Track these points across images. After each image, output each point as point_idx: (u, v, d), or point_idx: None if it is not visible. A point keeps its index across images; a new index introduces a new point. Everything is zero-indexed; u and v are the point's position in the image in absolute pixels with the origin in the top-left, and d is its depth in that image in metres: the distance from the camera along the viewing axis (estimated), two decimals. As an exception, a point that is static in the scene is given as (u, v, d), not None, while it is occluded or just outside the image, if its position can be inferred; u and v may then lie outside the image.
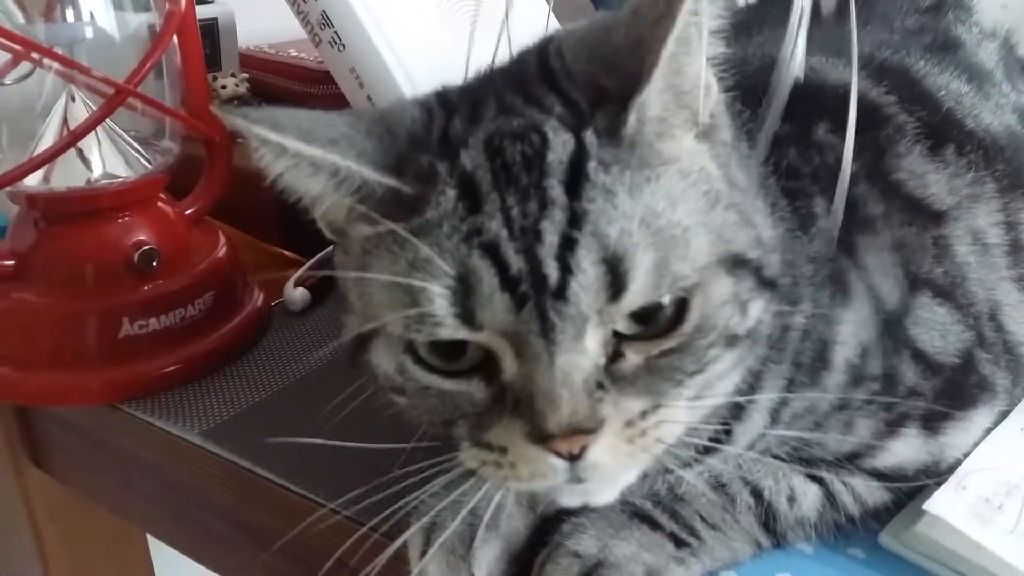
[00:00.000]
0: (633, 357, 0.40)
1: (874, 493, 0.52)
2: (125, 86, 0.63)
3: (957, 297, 0.52)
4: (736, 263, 0.41)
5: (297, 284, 0.79)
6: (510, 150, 0.40)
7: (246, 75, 0.99)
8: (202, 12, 0.95)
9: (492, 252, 0.38)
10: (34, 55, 0.70)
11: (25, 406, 0.77)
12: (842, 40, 0.65)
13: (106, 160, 0.70)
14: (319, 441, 0.48)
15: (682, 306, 0.40)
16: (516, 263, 0.38)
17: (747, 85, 0.51)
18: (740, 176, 0.44)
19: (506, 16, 0.56)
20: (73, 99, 0.70)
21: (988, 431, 0.54)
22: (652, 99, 0.40)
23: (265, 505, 0.59)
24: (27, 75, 0.73)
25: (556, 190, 0.39)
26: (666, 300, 0.39)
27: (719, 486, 0.50)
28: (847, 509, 0.51)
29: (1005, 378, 0.54)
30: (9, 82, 0.73)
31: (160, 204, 0.72)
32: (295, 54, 1.06)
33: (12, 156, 0.70)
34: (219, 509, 0.67)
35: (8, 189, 0.67)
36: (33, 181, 0.68)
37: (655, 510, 0.49)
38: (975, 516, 0.48)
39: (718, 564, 0.49)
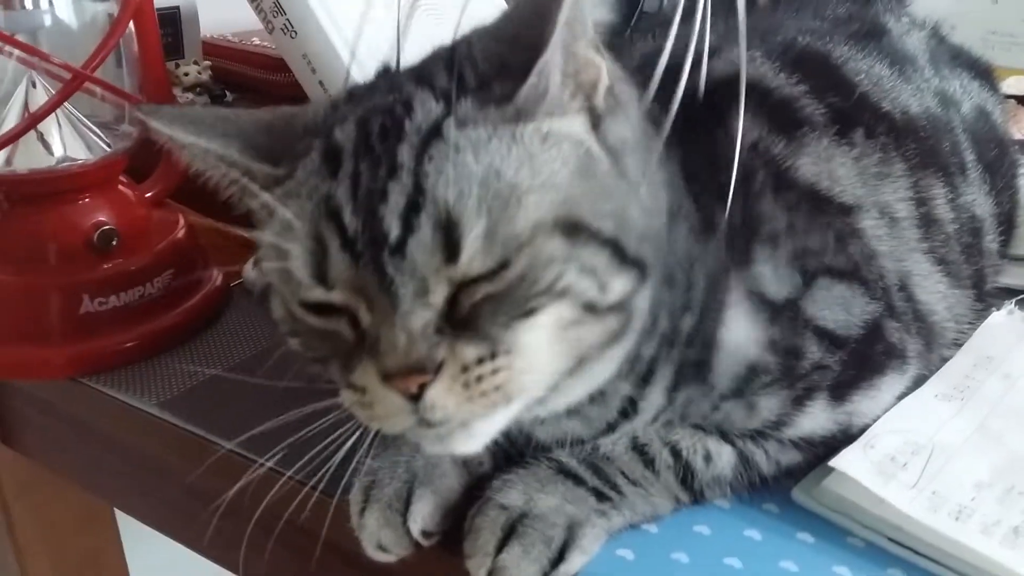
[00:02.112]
0: (465, 301, 0.43)
1: (787, 453, 0.55)
2: (82, 71, 0.66)
3: (861, 274, 0.55)
4: (573, 228, 0.43)
5: (255, 265, 0.81)
6: (374, 122, 0.44)
7: (208, 63, 1.01)
8: (165, 1, 0.97)
9: (335, 216, 0.42)
10: (-6, 40, 0.73)
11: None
12: (768, 30, 0.68)
13: (67, 144, 0.72)
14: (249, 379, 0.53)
15: None
16: (353, 224, 0.42)
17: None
18: (632, 166, 0.47)
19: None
20: (34, 85, 0.72)
21: (900, 397, 0.57)
22: (553, 66, 0.43)
23: (218, 471, 0.62)
24: (-16, 62, 0.75)
25: (405, 155, 0.42)
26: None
27: (640, 445, 0.53)
28: (761, 468, 0.54)
29: (916, 344, 0.58)
30: (-30, 69, 0.75)
31: (120, 187, 0.75)
32: (258, 42, 1.08)
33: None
34: (175, 478, 0.70)
35: (-30, 171, 0.69)
36: (-5, 163, 0.71)
37: (579, 466, 0.52)
38: (880, 473, 0.52)
39: (639, 518, 0.52)
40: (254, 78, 1.06)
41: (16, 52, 0.71)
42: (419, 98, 0.44)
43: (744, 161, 0.53)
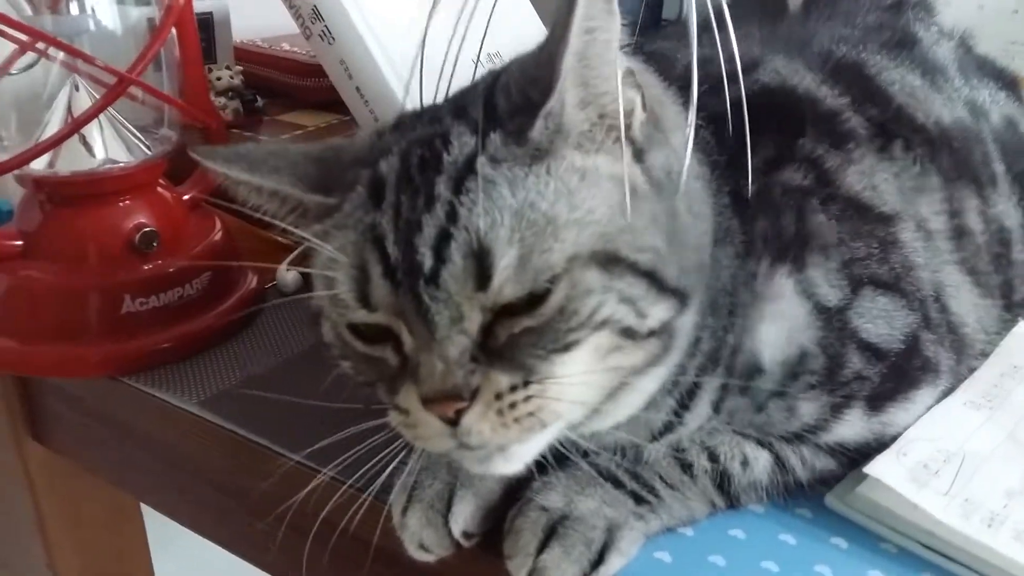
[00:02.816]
0: (502, 333, 0.44)
1: (821, 459, 0.55)
2: (127, 75, 0.67)
3: (902, 286, 0.55)
4: (610, 259, 0.44)
5: (290, 268, 0.82)
6: (415, 155, 0.46)
7: (240, 68, 1.02)
8: (198, 6, 0.98)
9: (379, 244, 0.44)
10: (39, 46, 0.74)
11: (29, 378, 0.81)
12: (804, 39, 0.69)
13: (108, 146, 0.74)
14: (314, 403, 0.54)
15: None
16: (394, 253, 0.44)
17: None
18: (677, 201, 0.47)
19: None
20: (77, 88, 0.74)
21: (930, 408, 0.58)
22: (561, 109, 0.44)
23: (257, 470, 0.63)
24: (31, 65, 0.77)
25: (442, 187, 0.44)
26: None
27: (678, 451, 0.54)
28: (796, 473, 0.55)
29: (949, 358, 0.58)
30: (15, 72, 0.77)
31: (159, 189, 0.76)
32: (287, 48, 1.10)
33: (20, 142, 0.74)
34: (210, 477, 0.71)
35: (16, 172, 0.71)
36: (39, 165, 0.72)
37: (618, 470, 0.53)
38: (913, 480, 0.52)
39: (676, 521, 0.53)
40: (284, 83, 1.07)
41: (60, 56, 0.73)
42: (456, 131, 0.46)
43: (794, 171, 0.54)
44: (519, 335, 0.44)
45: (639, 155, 0.47)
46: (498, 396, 0.43)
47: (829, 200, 0.55)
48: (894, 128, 0.60)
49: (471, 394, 0.43)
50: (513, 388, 0.44)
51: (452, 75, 0.57)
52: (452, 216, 0.43)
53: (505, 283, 0.43)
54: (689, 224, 0.48)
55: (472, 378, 0.43)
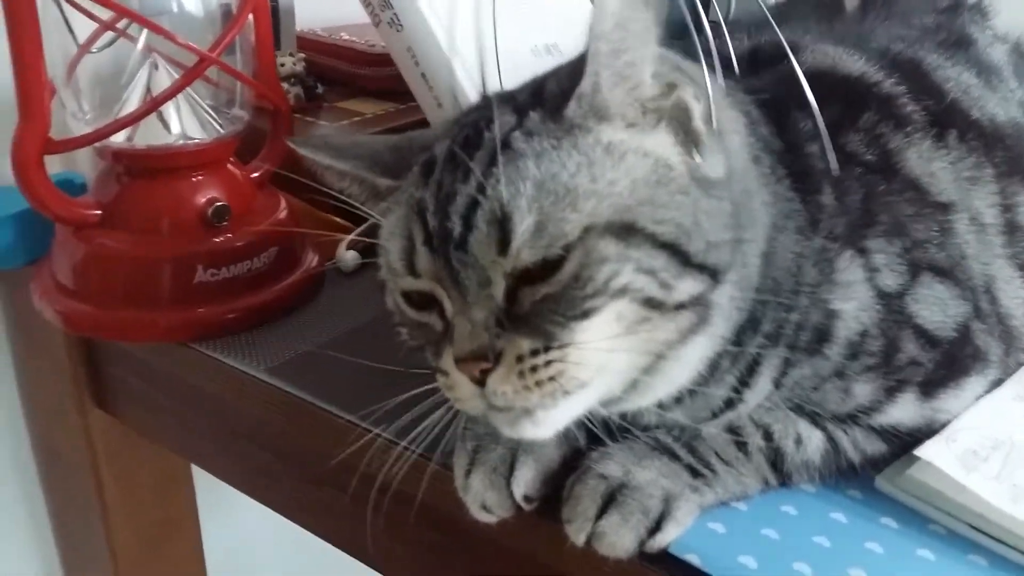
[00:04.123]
0: (525, 300, 0.47)
1: (872, 443, 0.57)
2: (208, 55, 0.70)
3: (956, 274, 0.57)
4: (626, 230, 0.46)
5: (348, 247, 0.85)
6: (462, 136, 0.50)
7: (303, 55, 1.05)
8: (265, -5, 1.01)
9: (422, 215, 0.48)
10: (120, 24, 0.77)
11: (95, 346, 0.85)
12: (861, 36, 0.71)
13: (184, 123, 0.77)
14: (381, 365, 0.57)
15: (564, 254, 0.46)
16: (432, 222, 0.47)
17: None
18: (721, 188, 0.49)
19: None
20: (156, 68, 0.77)
21: (980, 397, 0.59)
22: (592, 91, 0.47)
23: (320, 435, 0.65)
24: (109, 44, 0.80)
25: (478, 162, 0.47)
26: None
27: (734, 428, 0.56)
28: (847, 455, 0.56)
29: (999, 348, 0.59)
30: (95, 50, 0.80)
31: (230, 166, 0.79)
32: (347, 37, 1.12)
33: (99, 116, 0.77)
34: (269, 443, 0.74)
35: (96, 145, 0.74)
36: (118, 139, 0.75)
37: (675, 444, 0.54)
38: (962, 465, 0.54)
39: (729, 496, 0.54)
40: (342, 71, 1.10)
41: (143, 37, 0.76)
42: (499, 113, 0.49)
43: (858, 142, 0.57)
44: (540, 302, 0.46)
45: (690, 146, 0.49)
46: (519, 359, 0.46)
47: (892, 179, 0.56)
48: (948, 120, 0.61)
49: (496, 356, 0.46)
50: (535, 353, 0.46)
51: (482, 62, 0.61)
52: (482, 187, 0.46)
53: (522, 248, 0.45)
54: (734, 211, 0.49)
55: (497, 341, 0.46)
